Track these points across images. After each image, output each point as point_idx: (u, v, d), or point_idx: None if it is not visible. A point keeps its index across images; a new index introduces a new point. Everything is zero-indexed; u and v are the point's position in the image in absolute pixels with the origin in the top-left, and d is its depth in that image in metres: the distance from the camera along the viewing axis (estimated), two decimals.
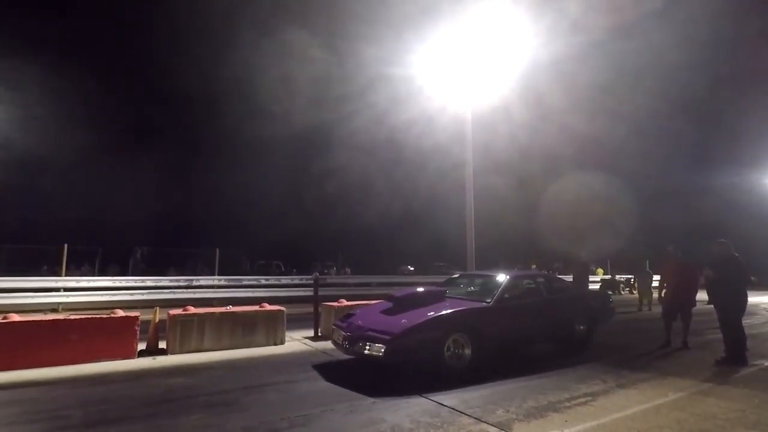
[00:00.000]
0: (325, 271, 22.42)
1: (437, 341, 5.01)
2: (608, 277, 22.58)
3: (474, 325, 5.38)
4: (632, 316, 12.17)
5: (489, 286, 6.35)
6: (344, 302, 8.36)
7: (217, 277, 13.86)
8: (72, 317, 5.98)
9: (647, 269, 14.86)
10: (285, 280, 15.12)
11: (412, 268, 27.87)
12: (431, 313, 5.24)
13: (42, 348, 5.46)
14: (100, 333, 5.85)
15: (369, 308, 6.21)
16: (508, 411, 4.04)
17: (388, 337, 4.85)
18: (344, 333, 5.39)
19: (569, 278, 13.65)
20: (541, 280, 7.03)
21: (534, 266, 26.74)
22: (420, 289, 6.12)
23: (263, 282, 14.30)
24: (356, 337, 5.16)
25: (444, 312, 5.32)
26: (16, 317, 5.66)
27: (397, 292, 6.08)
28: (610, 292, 20.06)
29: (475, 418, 3.86)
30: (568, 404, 4.26)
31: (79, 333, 5.70)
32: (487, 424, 3.72)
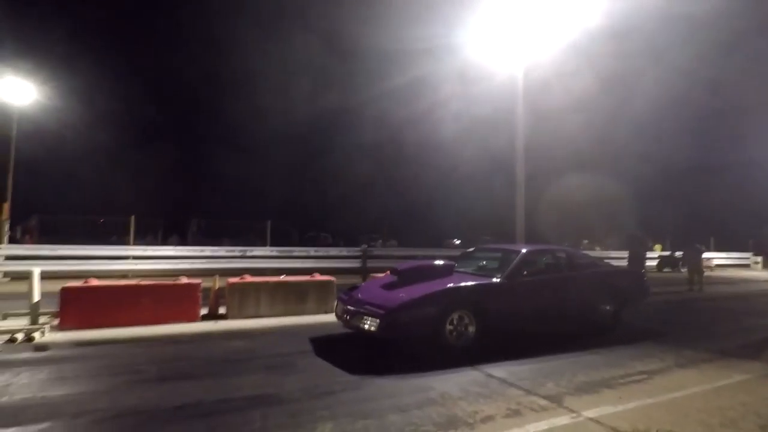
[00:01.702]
0: (372, 243, 22.76)
1: (436, 317, 4.82)
2: (666, 253, 21.42)
3: (479, 303, 5.13)
4: (687, 295, 11.55)
5: (502, 261, 6.00)
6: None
7: (269, 247, 14.45)
8: (143, 283, 6.49)
9: (697, 245, 13.43)
10: (333, 251, 15.53)
11: (458, 241, 27.69)
12: (432, 289, 5.04)
13: (119, 310, 5.99)
14: (167, 298, 6.33)
15: (373, 282, 6.08)
16: (558, 385, 4.02)
17: (383, 312, 4.73)
18: (344, 306, 5.30)
19: (622, 254, 13.09)
20: (561, 255, 6.51)
21: (586, 242, 25.82)
22: (426, 263, 5.91)
23: (312, 253, 14.78)
24: (355, 310, 5.06)
25: (445, 287, 5.10)
26: (95, 282, 6.22)
27: (401, 265, 5.86)
28: (668, 270, 19.06)
29: (525, 390, 3.87)
30: (621, 381, 4.18)
31: (150, 297, 6.20)
32: (537, 396, 3.73)
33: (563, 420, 3.25)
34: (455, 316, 4.95)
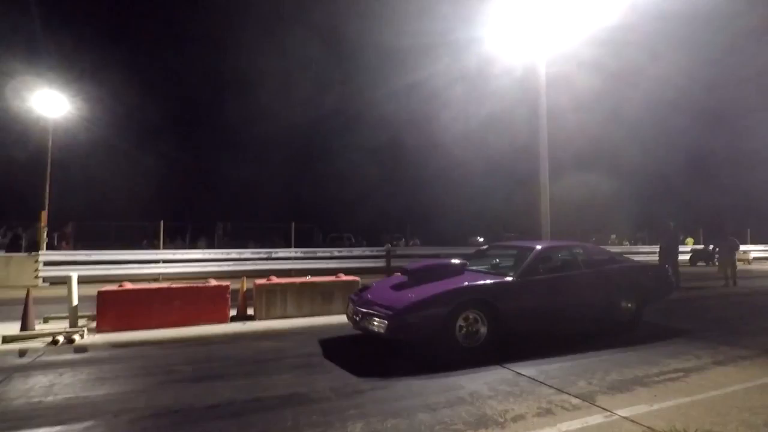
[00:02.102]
0: (395, 242, 22.77)
1: (446, 318, 4.69)
2: (700, 246, 20.72)
3: (490, 302, 4.96)
4: (722, 290, 11.13)
5: (516, 259, 5.82)
6: None
7: (293, 249, 14.66)
8: (174, 285, 6.67)
9: (730, 237, 12.80)
10: (357, 251, 15.65)
11: (481, 239, 27.42)
12: (441, 289, 4.93)
13: (152, 312, 6.18)
14: (197, 300, 6.49)
15: (383, 282, 5.98)
16: (590, 383, 3.95)
17: (391, 313, 4.68)
18: (354, 307, 5.26)
19: (653, 249, 12.70)
20: (579, 251, 6.26)
21: (614, 236, 25.20)
22: (437, 262, 5.79)
23: (336, 254, 14.92)
24: (364, 312, 5.01)
25: (455, 287, 4.97)
26: (129, 285, 6.44)
27: (411, 264, 5.76)
28: (701, 264, 18.42)
29: (556, 388, 3.82)
30: (656, 379, 4.07)
31: (181, 299, 6.37)
32: (569, 394, 3.67)
33: (597, 419, 3.19)
34: (465, 317, 4.84)
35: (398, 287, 5.34)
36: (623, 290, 6.13)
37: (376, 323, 4.78)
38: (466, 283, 5.12)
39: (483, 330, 4.90)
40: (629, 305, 6.13)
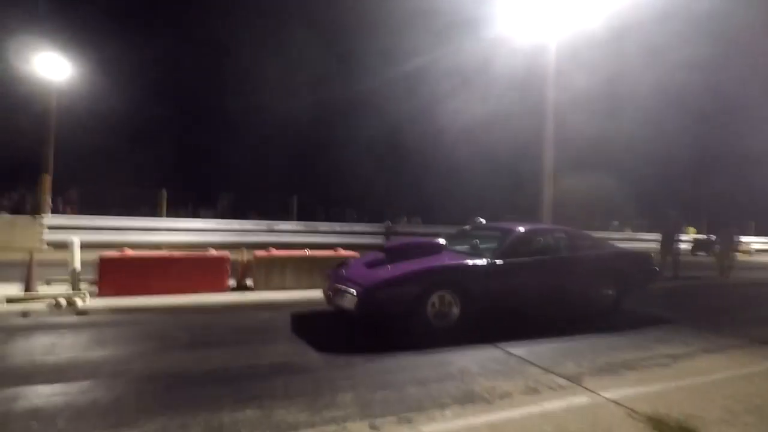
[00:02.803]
0: (396, 220, 22.82)
1: (416, 297, 4.66)
2: (702, 236, 20.66)
3: (463, 283, 4.95)
4: (719, 280, 11.13)
5: (496, 240, 5.75)
6: None
7: (295, 222, 14.72)
8: (174, 254, 6.75)
9: (731, 228, 12.44)
10: (358, 227, 15.69)
11: (483, 220, 27.47)
12: (413, 267, 4.90)
13: (153, 279, 6.27)
14: (197, 269, 6.57)
15: (362, 259, 5.91)
16: (579, 365, 4.01)
17: (361, 290, 4.65)
18: (330, 283, 5.29)
19: (653, 236, 12.66)
20: (561, 236, 6.21)
21: (616, 222, 25.13)
22: (416, 241, 5.73)
23: (337, 229, 14.96)
24: (336, 288, 5.02)
25: (428, 266, 4.95)
26: (131, 252, 6.51)
27: (390, 242, 5.81)
28: (702, 253, 18.40)
29: (544, 368, 3.89)
30: (644, 363, 4.13)
31: (182, 268, 6.46)
32: (556, 375, 3.74)
33: (581, 399, 3.26)
34: (437, 296, 4.79)
35: (374, 265, 5.29)
36: (603, 276, 6.07)
37: (346, 299, 4.77)
38: (440, 263, 5.08)
39: (455, 311, 4.87)
40: (609, 292, 6.05)
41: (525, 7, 11.46)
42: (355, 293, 4.68)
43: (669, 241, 11.13)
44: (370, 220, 19.79)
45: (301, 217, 15.51)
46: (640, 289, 6.67)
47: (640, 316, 6.14)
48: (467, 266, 5.14)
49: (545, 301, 5.67)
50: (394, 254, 5.40)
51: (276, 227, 14.18)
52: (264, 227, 14.04)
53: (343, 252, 7.81)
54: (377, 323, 4.96)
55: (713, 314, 6.94)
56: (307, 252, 7.65)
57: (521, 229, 5.86)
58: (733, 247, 12.00)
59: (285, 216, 16.30)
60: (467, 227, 7.27)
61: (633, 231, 23.02)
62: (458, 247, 5.89)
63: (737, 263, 12.03)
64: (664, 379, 3.73)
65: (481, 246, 5.80)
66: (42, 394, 3.03)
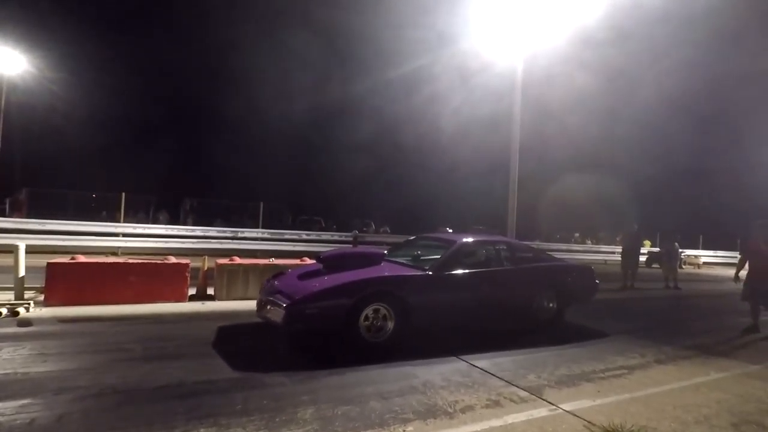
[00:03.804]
0: (364, 229, 22.77)
1: (349, 311, 4.44)
2: (656, 249, 21.63)
3: (399, 296, 4.72)
4: (670, 293, 11.63)
5: (436, 251, 5.64)
6: None
7: (260, 229, 14.44)
8: (131, 261, 6.45)
9: (674, 242, 12.82)
10: (325, 235, 15.59)
11: (450, 230, 27.80)
12: (346, 279, 4.66)
13: (105, 287, 5.97)
14: (155, 277, 6.30)
15: (298, 269, 5.63)
16: (539, 377, 4.07)
17: (288, 302, 4.39)
18: (260, 295, 5.13)
19: (614, 248, 13.13)
20: (502, 247, 6.12)
21: (577, 235, 26.00)
22: (354, 250, 5.63)
23: (304, 237, 14.79)
24: (266, 300, 4.80)
25: (361, 278, 4.70)
26: (83, 258, 6.18)
27: (326, 252, 5.54)
28: (656, 266, 19.23)
29: (506, 381, 3.92)
30: (602, 375, 4.24)
31: (138, 275, 6.17)
32: (518, 387, 3.78)
33: (542, 412, 3.30)
34: (371, 310, 4.59)
35: (307, 275, 5.07)
36: (544, 289, 6.02)
37: (274, 313, 4.53)
38: (374, 275, 4.86)
39: (390, 325, 4.67)
40: (550, 304, 6.01)
41: (495, 23, 11.78)
42: (283, 306, 4.40)
43: (630, 254, 11.56)
44: (338, 229, 19.69)
45: (267, 225, 15.24)
46: (583, 303, 6.68)
47: (598, 327, 6.32)
48: (403, 278, 4.95)
49: (485, 314, 5.58)
50: (329, 264, 5.16)
51: (241, 234, 13.88)
52: (228, 234, 13.74)
53: (309, 261, 7.69)
54: (306, 337, 4.80)
55: (667, 325, 7.24)
56: (272, 260, 7.49)
57: (462, 240, 5.74)
58: (675, 259, 12.48)
59: (251, 223, 15.97)
60: (413, 237, 7.18)
61: (594, 243, 23.86)
62: (399, 259, 5.77)
63: (678, 275, 12.53)
64: (619, 391, 3.83)
65: (423, 257, 5.73)
66: None
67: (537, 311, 5.91)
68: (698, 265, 22.29)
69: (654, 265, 20.60)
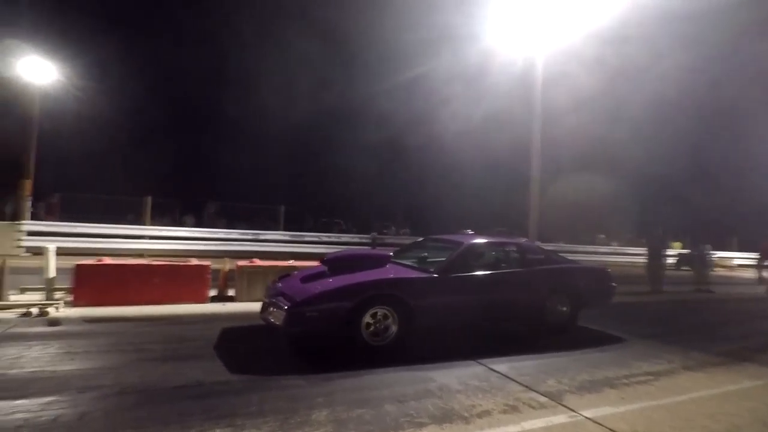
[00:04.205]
0: (384, 230, 22.75)
1: (350, 313, 4.36)
2: (687, 251, 20.91)
3: (402, 298, 4.61)
4: (699, 296, 11.18)
5: (442, 253, 5.54)
6: None
7: (281, 232, 14.61)
8: (154, 263, 6.61)
9: (705, 244, 12.61)
10: (345, 237, 15.66)
11: (471, 232, 27.54)
12: (347, 281, 4.58)
13: (130, 288, 6.12)
14: (177, 278, 6.44)
15: (302, 271, 5.58)
16: (560, 382, 3.97)
17: (289, 305, 4.35)
18: (264, 297, 5.11)
19: (639, 251, 12.73)
20: (511, 249, 5.96)
21: (602, 236, 25.37)
22: (359, 252, 5.49)
23: (324, 239, 14.89)
24: (268, 302, 4.79)
25: (362, 280, 4.60)
26: (108, 260, 6.36)
27: (331, 254, 5.45)
28: (686, 268, 18.61)
29: (525, 386, 3.84)
30: (626, 381, 4.10)
31: (160, 277, 6.31)
32: (537, 392, 3.69)
33: (561, 419, 3.21)
34: (373, 313, 4.51)
35: (311, 278, 4.99)
36: (556, 292, 5.79)
37: (276, 315, 4.51)
38: (375, 277, 4.75)
39: (393, 328, 4.57)
40: (563, 308, 5.79)
41: (514, 20, 11.61)
42: (283, 308, 4.37)
43: (655, 257, 11.23)
44: (359, 231, 19.75)
45: (288, 227, 15.40)
46: (598, 306, 6.41)
47: (623, 331, 6.13)
48: (406, 280, 4.86)
49: (492, 317, 5.46)
50: (333, 266, 5.09)
51: (262, 237, 14.06)
52: (250, 236, 13.93)
53: None
54: (307, 340, 4.77)
55: (695, 330, 6.97)
56: (292, 262, 7.55)
57: (469, 242, 5.62)
58: (705, 261, 12.07)
59: (273, 226, 16.17)
60: (421, 239, 7.04)
61: (621, 245, 23.24)
62: (406, 260, 5.68)
63: (709, 278, 12.09)
64: (644, 398, 3.70)
65: (430, 259, 5.64)
66: (0, 411, 2.89)
67: (548, 315, 5.68)
68: (731, 268, 21.45)
69: (684, 268, 19.93)
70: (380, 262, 5.25)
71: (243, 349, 4.58)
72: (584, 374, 4.23)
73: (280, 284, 5.09)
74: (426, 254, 5.90)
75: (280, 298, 4.59)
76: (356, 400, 3.36)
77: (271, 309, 4.64)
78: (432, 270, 5.09)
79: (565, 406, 3.43)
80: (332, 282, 4.68)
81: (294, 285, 4.87)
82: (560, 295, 5.81)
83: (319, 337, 4.63)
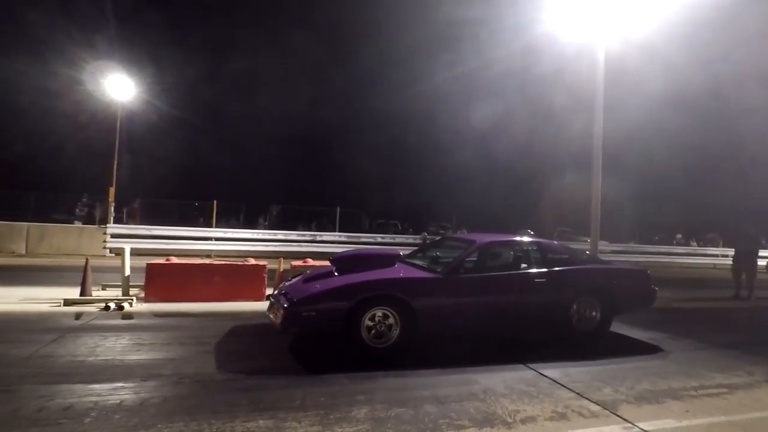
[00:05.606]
0: (441, 231, 22.54)
1: (350, 314, 4.24)
2: None
3: (404, 300, 4.41)
4: None
5: (454, 252, 5.25)
6: None
7: (337, 233, 14.97)
8: (215, 262, 7.05)
9: (745, 233, 10.48)
10: (399, 238, 15.74)
11: (532, 233, 26.51)
12: (347, 281, 4.47)
13: (194, 286, 6.56)
14: (236, 277, 6.81)
15: (312, 271, 5.44)
16: (616, 390, 3.71)
17: (287, 304, 4.29)
18: (271, 297, 5.05)
19: (722, 251, 11.55)
20: (531, 248, 5.51)
21: (679, 236, 23.39)
22: (368, 251, 5.27)
23: (379, 240, 15.06)
24: (272, 301, 4.76)
25: (362, 280, 4.46)
26: (175, 259, 6.86)
27: (339, 253, 5.32)
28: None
29: (577, 393, 3.63)
30: (693, 393, 3.75)
31: (221, 276, 6.71)
32: (589, 400, 3.47)
33: (613, 429, 3.00)
34: (374, 314, 4.36)
35: (316, 277, 4.89)
36: (583, 295, 5.31)
37: (276, 314, 4.48)
38: (375, 277, 4.59)
39: (395, 330, 4.41)
40: (593, 313, 5.32)
41: (574, 11, 11.02)
42: (282, 308, 4.34)
43: (746, 259, 9.97)
44: (414, 232, 19.75)
45: (345, 229, 15.75)
46: (635, 311, 5.91)
47: (695, 338, 5.61)
48: (409, 281, 4.67)
49: (507, 321, 5.12)
50: (340, 265, 4.97)
51: (319, 238, 14.48)
52: (308, 237, 14.41)
53: None
54: (307, 340, 4.78)
55: None
56: None
57: (481, 240, 5.33)
58: (755, 258, 10.21)
59: (331, 227, 16.64)
60: (438, 238, 6.85)
61: (699, 245, 21.31)
62: (417, 260, 5.50)
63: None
64: (714, 412, 3.35)
65: (441, 259, 5.40)
66: (76, 393, 3.22)
67: (575, 321, 5.24)
68: None
69: None
70: (389, 261, 5.10)
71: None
72: (645, 383, 3.92)
73: (287, 283, 5.16)
74: (439, 254, 5.69)
75: (282, 298, 4.58)
76: (396, 399, 3.36)
77: (274, 308, 4.66)
78: (438, 270, 4.89)
79: (620, 417, 3.19)
80: (332, 282, 4.62)
81: (299, 285, 4.84)
82: (588, 298, 5.34)
83: (317, 337, 4.63)
